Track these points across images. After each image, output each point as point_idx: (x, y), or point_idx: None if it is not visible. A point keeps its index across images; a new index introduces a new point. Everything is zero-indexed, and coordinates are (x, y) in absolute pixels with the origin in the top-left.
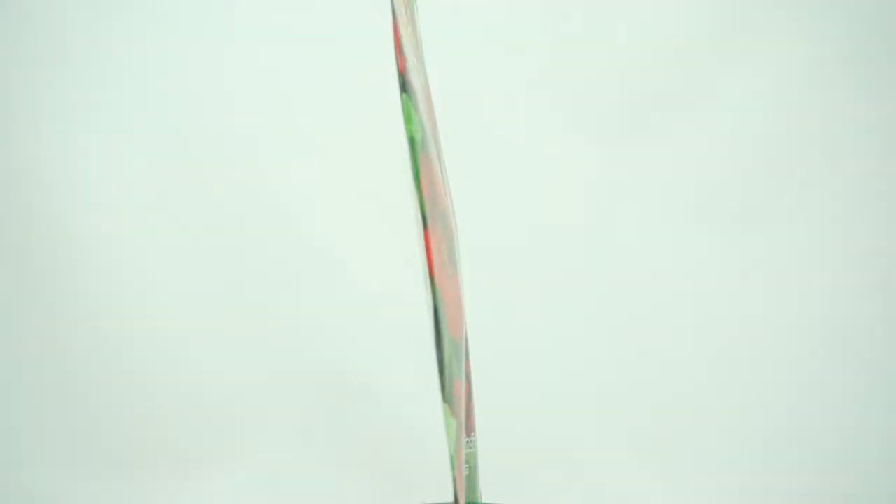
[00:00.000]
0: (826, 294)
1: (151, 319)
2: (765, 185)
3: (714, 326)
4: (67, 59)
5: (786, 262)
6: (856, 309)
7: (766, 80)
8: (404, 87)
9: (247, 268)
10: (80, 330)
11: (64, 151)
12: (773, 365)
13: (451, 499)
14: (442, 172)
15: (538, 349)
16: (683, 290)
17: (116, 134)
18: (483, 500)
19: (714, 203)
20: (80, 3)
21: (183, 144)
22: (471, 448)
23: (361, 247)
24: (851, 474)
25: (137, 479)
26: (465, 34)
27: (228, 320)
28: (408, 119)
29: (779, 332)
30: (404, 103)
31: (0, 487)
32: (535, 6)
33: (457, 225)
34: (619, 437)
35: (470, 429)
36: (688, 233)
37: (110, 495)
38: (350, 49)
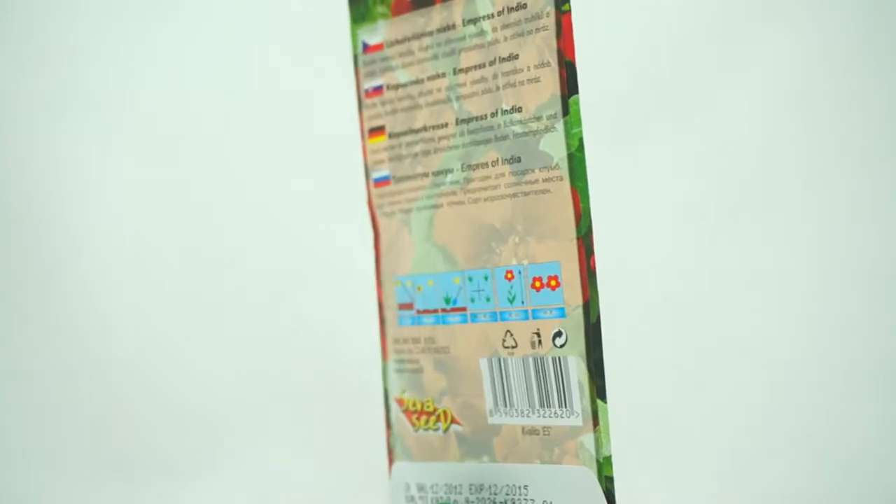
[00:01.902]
0: (830, 295)
1: (149, 319)
2: (777, 184)
3: (720, 327)
4: (64, 58)
5: (784, 265)
6: (861, 310)
7: (767, 79)
8: (575, 86)
9: (246, 268)
10: (79, 330)
11: (62, 153)
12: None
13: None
14: None
15: None
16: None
17: (111, 135)
18: None
19: (713, 206)
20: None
21: (178, 145)
22: None
23: (361, 246)
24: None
25: (136, 480)
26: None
27: (227, 320)
28: (577, 121)
29: (788, 336)
30: (573, 104)
31: (0, 488)
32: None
33: None
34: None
35: None
36: (687, 234)
37: (109, 495)
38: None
